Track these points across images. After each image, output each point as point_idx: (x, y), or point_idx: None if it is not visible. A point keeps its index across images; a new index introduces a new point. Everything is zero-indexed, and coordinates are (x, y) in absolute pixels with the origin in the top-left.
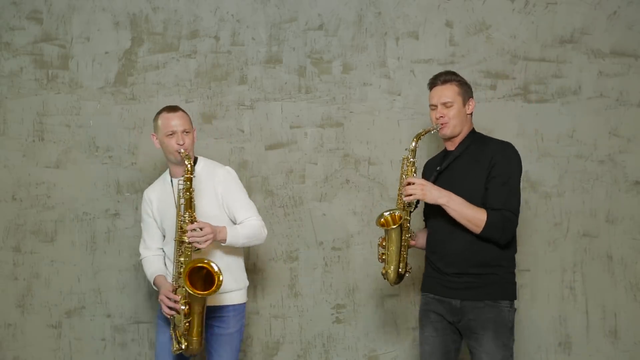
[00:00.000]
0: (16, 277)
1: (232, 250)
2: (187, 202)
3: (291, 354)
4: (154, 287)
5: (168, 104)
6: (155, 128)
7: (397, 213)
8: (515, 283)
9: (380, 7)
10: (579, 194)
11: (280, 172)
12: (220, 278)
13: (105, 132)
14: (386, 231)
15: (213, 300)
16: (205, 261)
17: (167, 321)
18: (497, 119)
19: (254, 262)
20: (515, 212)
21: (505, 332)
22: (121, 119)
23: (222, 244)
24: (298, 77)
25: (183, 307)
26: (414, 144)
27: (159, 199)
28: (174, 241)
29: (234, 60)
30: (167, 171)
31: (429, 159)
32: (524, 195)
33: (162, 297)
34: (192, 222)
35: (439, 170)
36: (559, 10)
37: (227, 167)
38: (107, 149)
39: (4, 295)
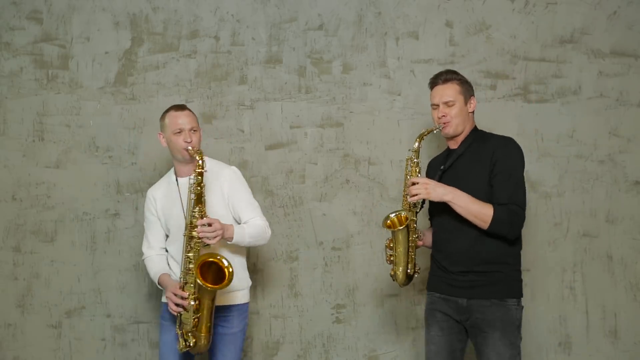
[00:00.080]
0: (16, 277)
1: (236, 250)
2: (198, 197)
3: (291, 354)
4: (159, 286)
5: (171, 104)
6: (162, 127)
7: (403, 214)
8: (521, 280)
9: (380, 7)
10: (579, 194)
11: (280, 172)
12: (231, 270)
13: (105, 132)
14: (393, 233)
15: (217, 300)
16: (218, 257)
17: (172, 320)
18: (497, 119)
19: (254, 262)
20: (522, 206)
21: (513, 330)
22: (121, 119)
23: (229, 242)
24: (298, 77)
25: (193, 303)
26: (417, 144)
27: (164, 198)
28: (183, 237)
29: (234, 60)
30: (172, 170)
31: (431, 158)
32: None
33: (169, 294)
34: (202, 217)
35: (443, 169)
36: (559, 10)
37: (233, 167)
38: (107, 149)
39: (4, 295)
